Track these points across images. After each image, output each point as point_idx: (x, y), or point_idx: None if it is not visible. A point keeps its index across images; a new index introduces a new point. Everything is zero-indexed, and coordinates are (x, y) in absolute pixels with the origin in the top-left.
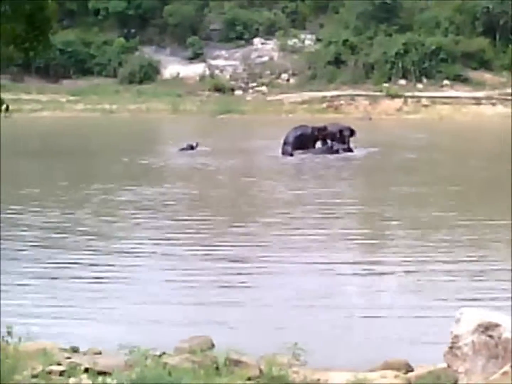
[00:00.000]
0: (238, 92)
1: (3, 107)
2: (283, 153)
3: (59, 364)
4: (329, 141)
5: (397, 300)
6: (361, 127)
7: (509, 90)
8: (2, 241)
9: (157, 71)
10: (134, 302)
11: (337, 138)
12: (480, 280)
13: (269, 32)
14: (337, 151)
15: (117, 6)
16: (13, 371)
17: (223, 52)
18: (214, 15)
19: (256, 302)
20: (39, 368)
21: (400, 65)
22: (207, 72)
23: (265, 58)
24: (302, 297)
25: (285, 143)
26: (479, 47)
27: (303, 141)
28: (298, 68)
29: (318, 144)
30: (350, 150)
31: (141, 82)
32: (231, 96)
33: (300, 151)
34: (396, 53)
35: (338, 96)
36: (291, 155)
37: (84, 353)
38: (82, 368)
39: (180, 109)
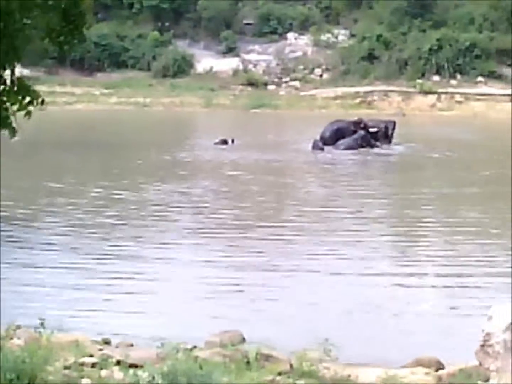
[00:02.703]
0: (271, 87)
1: (39, 100)
2: (313, 147)
3: (91, 356)
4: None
5: (429, 298)
6: None
7: None
8: (35, 234)
9: (190, 65)
10: (166, 296)
11: (380, 133)
12: None
13: (303, 27)
14: (361, 146)
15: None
16: (45, 362)
17: (257, 47)
18: (248, 9)
19: (288, 299)
20: (72, 359)
21: (434, 61)
22: (241, 67)
23: (299, 53)
24: (334, 295)
25: (321, 138)
26: None
27: (339, 135)
28: (332, 63)
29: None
30: (375, 146)
31: (174, 75)
32: (264, 91)
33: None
34: (430, 49)
35: (372, 91)
36: (322, 149)
37: (116, 346)
38: (114, 360)
39: (213, 103)
